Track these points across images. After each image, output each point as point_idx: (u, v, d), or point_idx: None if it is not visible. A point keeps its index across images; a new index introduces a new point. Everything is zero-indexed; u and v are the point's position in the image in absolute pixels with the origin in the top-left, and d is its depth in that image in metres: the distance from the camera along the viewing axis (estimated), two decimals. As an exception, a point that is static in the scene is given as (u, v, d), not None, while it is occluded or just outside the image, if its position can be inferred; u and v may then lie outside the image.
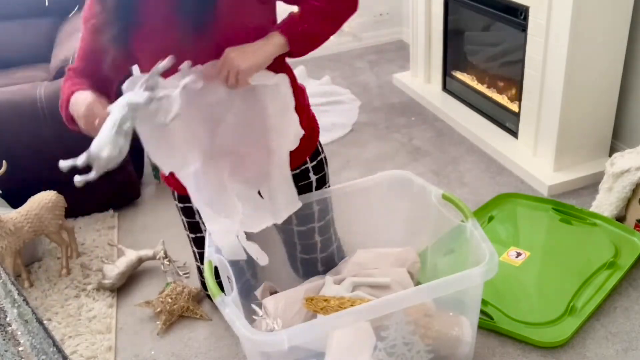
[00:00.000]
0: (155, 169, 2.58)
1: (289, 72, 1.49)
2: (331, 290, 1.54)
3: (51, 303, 1.93)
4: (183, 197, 1.59)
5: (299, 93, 1.52)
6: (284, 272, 1.75)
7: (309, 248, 1.68)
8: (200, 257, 1.72)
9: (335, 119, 2.95)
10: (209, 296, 1.80)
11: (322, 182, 1.66)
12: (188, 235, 1.73)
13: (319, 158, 1.64)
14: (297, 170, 1.59)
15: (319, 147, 1.65)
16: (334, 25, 1.40)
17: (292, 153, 1.51)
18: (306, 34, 1.37)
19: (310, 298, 1.47)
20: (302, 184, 1.61)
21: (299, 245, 1.68)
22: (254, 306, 1.41)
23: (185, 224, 1.69)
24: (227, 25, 1.32)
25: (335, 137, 2.83)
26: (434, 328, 1.42)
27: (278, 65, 1.42)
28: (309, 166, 1.61)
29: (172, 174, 1.47)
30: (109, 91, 1.45)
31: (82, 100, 1.33)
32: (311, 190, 1.64)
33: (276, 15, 1.44)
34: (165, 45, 1.30)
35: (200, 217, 1.59)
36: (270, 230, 1.63)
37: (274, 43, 1.34)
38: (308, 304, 1.45)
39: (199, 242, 1.68)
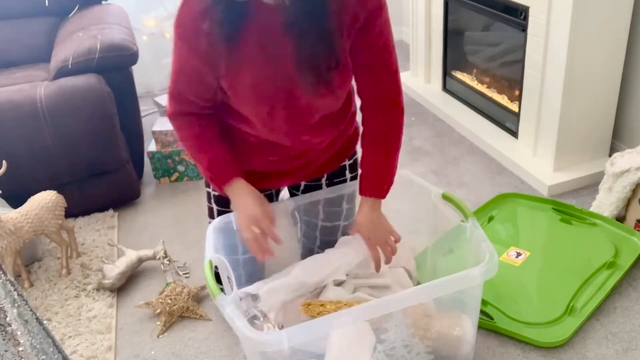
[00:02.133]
0: (156, 169, 2.58)
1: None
2: (332, 292, 1.54)
3: (51, 303, 1.93)
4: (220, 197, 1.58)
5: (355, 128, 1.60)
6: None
7: (329, 244, 1.68)
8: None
9: (335, 119, 2.95)
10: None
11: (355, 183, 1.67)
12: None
13: (355, 157, 1.66)
14: (336, 169, 1.62)
15: (357, 146, 1.67)
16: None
17: (332, 157, 1.57)
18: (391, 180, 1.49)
19: (307, 303, 1.47)
20: (337, 181, 1.63)
21: (318, 240, 1.68)
22: (254, 311, 1.42)
23: (216, 212, 1.64)
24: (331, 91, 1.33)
25: (335, 137, 2.83)
26: (434, 329, 1.42)
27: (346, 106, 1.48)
28: (346, 164, 1.63)
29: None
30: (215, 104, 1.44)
31: (242, 205, 1.41)
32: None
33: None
34: (264, 74, 1.30)
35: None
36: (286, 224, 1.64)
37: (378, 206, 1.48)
38: (305, 309, 1.45)
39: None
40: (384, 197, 1.47)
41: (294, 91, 1.31)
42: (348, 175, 1.65)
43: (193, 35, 1.25)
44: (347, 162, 1.64)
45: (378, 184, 1.46)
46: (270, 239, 1.38)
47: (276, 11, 1.21)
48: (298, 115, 1.37)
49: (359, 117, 1.52)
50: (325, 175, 1.62)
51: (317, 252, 1.67)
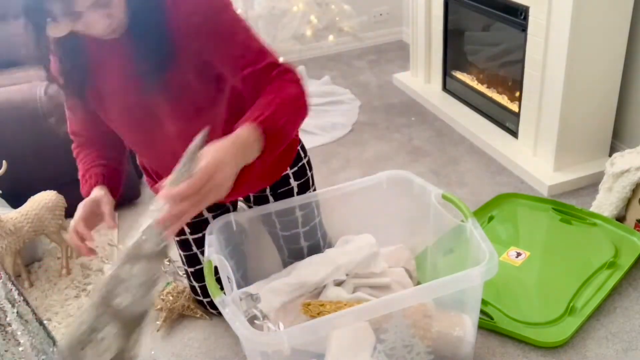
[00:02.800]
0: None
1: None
2: (332, 292, 1.54)
3: (51, 303, 1.93)
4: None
5: None
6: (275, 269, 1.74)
7: (296, 252, 1.67)
8: (188, 260, 1.71)
9: (335, 119, 2.96)
10: (200, 302, 1.79)
11: (305, 187, 1.63)
12: (186, 270, 1.74)
13: (300, 164, 1.61)
14: (279, 179, 1.58)
15: (301, 153, 1.61)
16: (297, 126, 1.23)
17: (271, 168, 1.52)
18: (284, 131, 1.17)
19: (307, 303, 1.47)
20: (281, 191, 1.59)
21: (285, 249, 1.67)
22: (255, 311, 1.41)
23: (183, 258, 1.71)
24: (183, 85, 1.24)
25: (335, 137, 2.83)
26: (434, 329, 1.42)
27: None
28: (289, 172, 1.59)
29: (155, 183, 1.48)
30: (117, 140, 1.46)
31: (79, 207, 1.39)
32: (293, 196, 1.61)
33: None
34: (123, 107, 1.30)
35: (197, 248, 1.63)
36: (261, 228, 1.64)
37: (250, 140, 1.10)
38: (305, 309, 1.45)
39: (183, 245, 1.68)
40: (267, 143, 1.12)
41: (159, 122, 1.31)
42: (294, 183, 1.60)
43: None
44: (289, 171, 1.59)
45: (272, 117, 1.14)
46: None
47: (110, 47, 1.22)
48: (173, 145, 1.28)
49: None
50: (268, 187, 1.59)
51: (289, 263, 1.67)
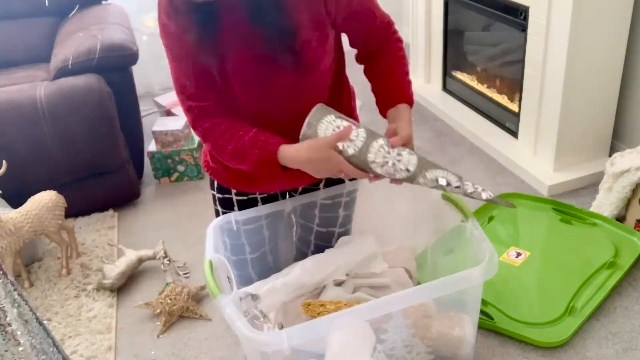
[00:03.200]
0: (156, 169, 2.58)
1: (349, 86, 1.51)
2: (332, 292, 1.54)
3: (51, 303, 1.93)
4: (224, 187, 1.54)
5: (352, 97, 1.57)
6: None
7: (322, 251, 1.67)
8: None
9: (335, 119, 2.95)
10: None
11: (354, 190, 1.62)
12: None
13: None
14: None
15: None
16: None
17: None
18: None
19: (307, 303, 1.47)
20: (334, 185, 1.59)
21: (312, 244, 1.67)
22: (255, 311, 1.41)
23: (221, 213, 1.60)
24: (306, 40, 1.28)
25: (335, 137, 2.83)
26: (434, 329, 1.42)
27: (339, 82, 1.44)
28: None
29: (216, 160, 1.45)
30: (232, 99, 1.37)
31: (306, 162, 1.27)
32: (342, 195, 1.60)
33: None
34: (251, 61, 1.27)
35: (239, 209, 1.56)
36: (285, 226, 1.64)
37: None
38: (305, 309, 1.45)
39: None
40: (412, 103, 1.38)
41: (276, 73, 1.30)
42: (347, 180, 1.59)
43: (170, 23, 1.24)
44: None
45: (404, 89, 1.38)
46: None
47: (238, 5, 1.23)
48: (287, 97, 1.33)
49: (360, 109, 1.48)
50: (323, 181, 1.58)
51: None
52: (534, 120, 2.34)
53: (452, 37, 2.92)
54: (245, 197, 1.55)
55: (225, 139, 1.32)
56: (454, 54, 2.95)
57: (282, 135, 1.34)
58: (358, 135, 1.24)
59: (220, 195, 1.58)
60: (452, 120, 2.83)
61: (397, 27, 1.44)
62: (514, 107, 2.53)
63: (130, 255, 2.01)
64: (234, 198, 1.55)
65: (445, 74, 3.02)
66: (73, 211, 2.30)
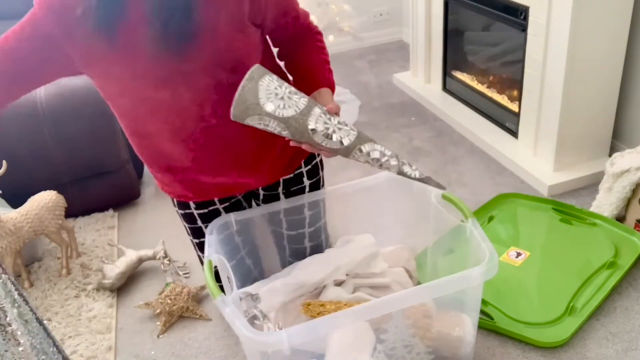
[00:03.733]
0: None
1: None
2: (332, 292, 1.54)
3: (51, 303, 1.93)
4: (182, 203, 1.55)
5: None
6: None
7: (299, 252, 1.66)
8: (193, 232, 1.65)
9: (335, 119, 2.95)
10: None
11: (316, 187, 1.62)
12: (192, 240, 1.67)
13: (314, 162, 1.59)
14: (291, 175, 1.55)
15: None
16: None
17: (287, 157, 1.48)
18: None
19: (307, 303, 1.47)
20: (294, 189, 1.58)
21: (288, 249, 1.67)
22: (255, 311, 1.42)
23: (188, 229, 1.64)
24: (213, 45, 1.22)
25: (335, 137, 2.83)
26: (434, 329, 1.42)
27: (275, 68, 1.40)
28: (303, 170, 1.57)
29: (167, 180, 1.45)
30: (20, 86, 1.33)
31: None
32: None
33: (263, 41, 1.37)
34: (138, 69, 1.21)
35: (202, 222, 1.58)
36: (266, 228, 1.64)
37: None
38: (305, 309, 1.45)
39: (203, 247, 1.66)
40: (334, 89, 1.40)
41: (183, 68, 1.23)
42: (306, 182, 1.59)
43: (63, 10, 1.18)
44: (304, 168, 1.56)
45: (325, 76, 1.40)
46: None
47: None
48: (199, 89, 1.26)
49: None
50: (281, 183, 1.56)
51: (290, 262, 1.66)
52: (534, 120, 2.34)
53: (452, 37, 2.92)
54: (205, 210, 1.56)
55: None
56: (454, 54, 2.95)
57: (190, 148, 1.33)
58: (300, 98, 1.19)
59: (182, 212, 1.59)
60: (452, 120, 2.83)
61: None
62: (514, 107, 2.53)
63: (130, 255, 2.01)
64: (195, 212, 1.55)
65: (445, 74, 3.02)
66: (73, 211, 2.30)
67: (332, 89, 1.38)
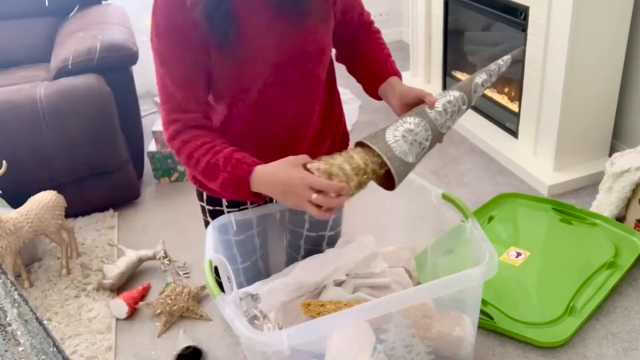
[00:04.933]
0: (156, 169, 2.58)
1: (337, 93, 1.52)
2: (332, 292, 1.54)
3: (51, 303, 1.93)
4: (214, 199, 1.51)
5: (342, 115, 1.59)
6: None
7: (312, 254, 1.66)
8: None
9: (335, 119, 2.96)
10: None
11: None
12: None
13: None
14: None
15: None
16: None
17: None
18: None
19: (307, 303, 1.47)
20: None
21: (303, 249, 1.67)
22: (255, 311, 1.42)
23: None
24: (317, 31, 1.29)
25: (335, 137, 2.83)
26: (434, 329, 1.42)
27: (330, 88, 1.45)
28: None
29: None
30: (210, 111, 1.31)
31: (278, 184, 1.17)
32: None
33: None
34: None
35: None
36: (278, 228, 1.63)
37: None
38: (305, 309, 1.45)
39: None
40: (401, 79, 1.41)
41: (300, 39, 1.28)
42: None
43: (178, 17, 1.16)
44: None
45: (392, 66, 1.41)
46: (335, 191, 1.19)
47: None
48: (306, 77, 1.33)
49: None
50: None
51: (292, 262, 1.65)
52: (534, 120, 2.34)
53: (452, 37, 2.92)
54: (236, 209, 1.53)
55: (201, 154, 1.23)
56: (454, 54, 2.95)
57: (266, 148, 1.32)
58: (415, 127, 1.25)
59: (211, 207, 1.55)
60: (452, 120, 2.83)
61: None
62: (514, 107, 2.53)
63: (130, 255, 2.01)
64: (225, 210, 1.53)
65: (445, 74, 3.02)
66: (73, 211, 2.30)
67: (400, 79, 1.40)
